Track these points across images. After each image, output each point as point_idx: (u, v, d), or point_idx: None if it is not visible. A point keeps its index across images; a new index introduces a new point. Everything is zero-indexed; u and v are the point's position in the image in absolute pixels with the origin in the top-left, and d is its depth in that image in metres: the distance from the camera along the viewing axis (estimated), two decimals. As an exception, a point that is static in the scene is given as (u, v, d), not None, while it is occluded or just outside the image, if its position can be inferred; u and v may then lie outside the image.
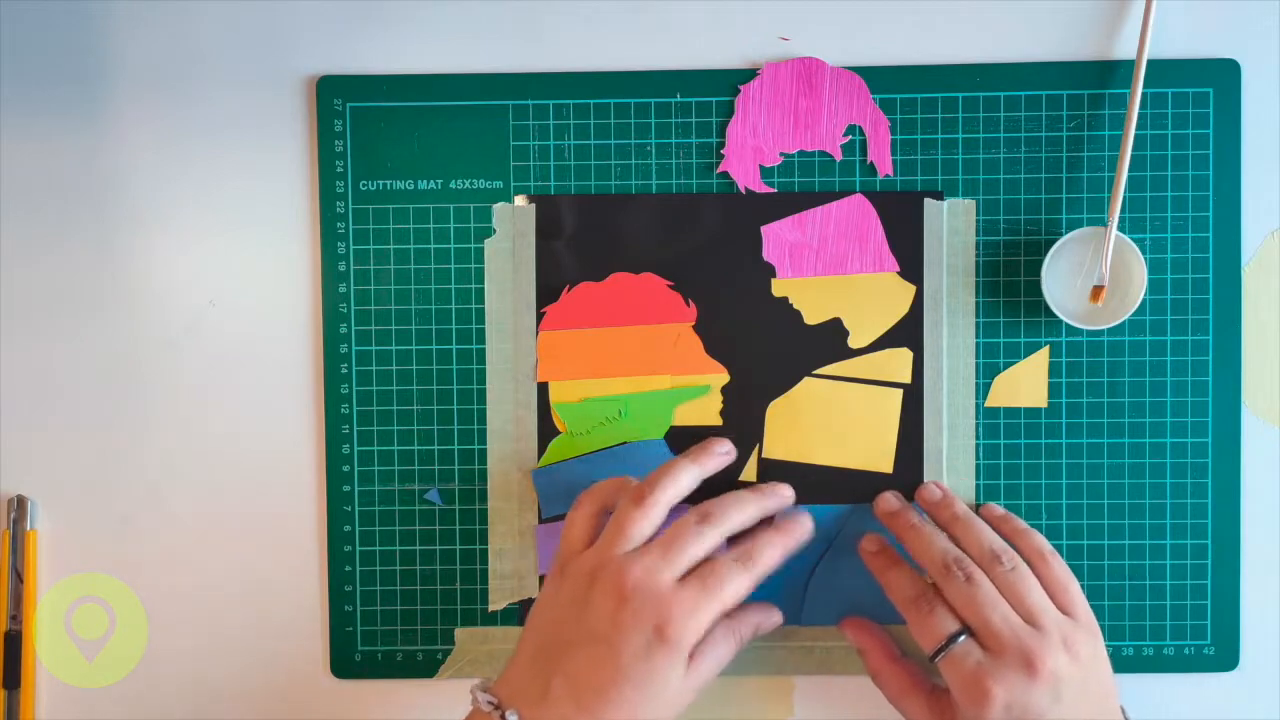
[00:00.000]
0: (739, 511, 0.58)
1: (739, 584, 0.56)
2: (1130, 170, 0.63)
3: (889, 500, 0.63)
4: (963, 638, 0.57)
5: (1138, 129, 0.62)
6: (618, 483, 0.60)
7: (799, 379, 0.64)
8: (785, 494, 0.61)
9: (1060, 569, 0.59)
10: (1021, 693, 0.55)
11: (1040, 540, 0.60)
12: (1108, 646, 0.64)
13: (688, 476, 0.59)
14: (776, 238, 0.64)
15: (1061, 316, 0.62)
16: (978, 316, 0.64)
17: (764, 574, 0.57)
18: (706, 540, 0.56)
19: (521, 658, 0.57)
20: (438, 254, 0.64)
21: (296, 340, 0.65)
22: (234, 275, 0.65)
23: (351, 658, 0.65)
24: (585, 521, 0.59)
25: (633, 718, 0.54)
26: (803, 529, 0.60)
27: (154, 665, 0.66)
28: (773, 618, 0.62)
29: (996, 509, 0.62)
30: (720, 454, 0.61)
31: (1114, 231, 0.61)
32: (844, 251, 0.64)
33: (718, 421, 0.64)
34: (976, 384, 0.64)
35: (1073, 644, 0.57)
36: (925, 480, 0.63)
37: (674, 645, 0.54)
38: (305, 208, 0.65)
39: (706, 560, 0.56)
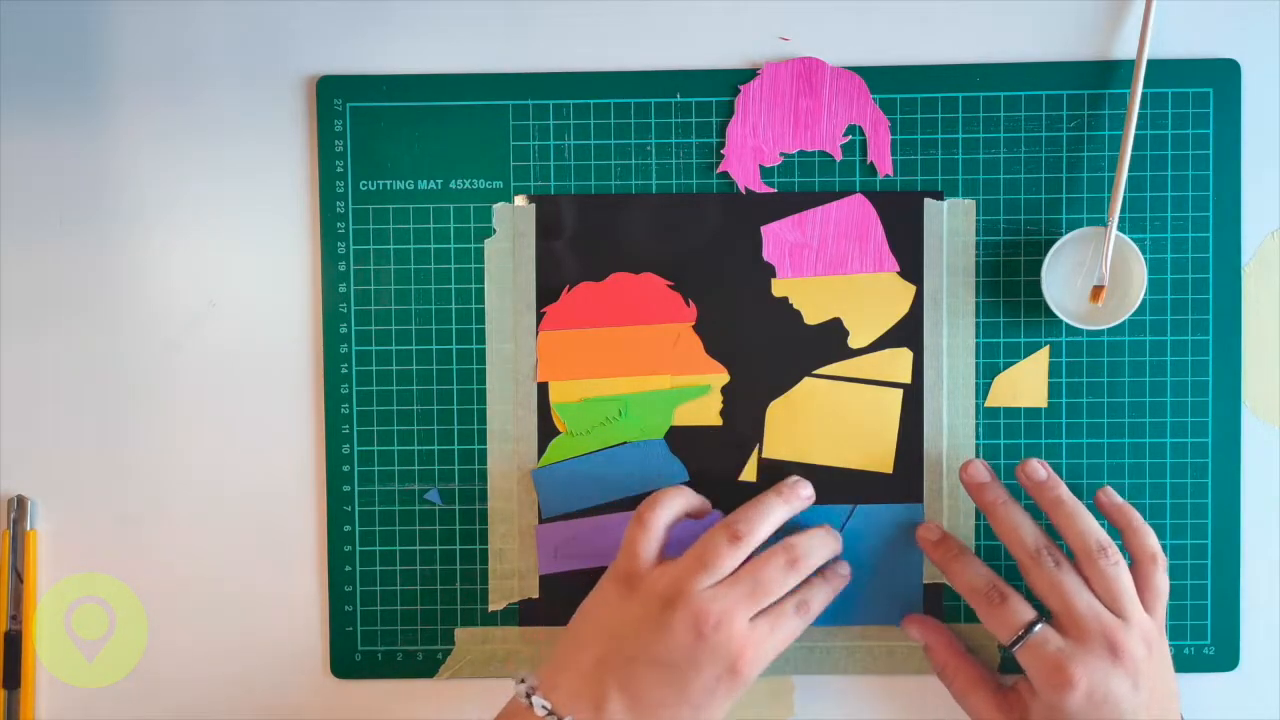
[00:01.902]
0: (769, 524, 0.59)
1: (797, 631, 0.58)
2: (1130, 170, 0.63)
3: (979, 471, 0.61)
4: (1039, 625, 0.57)
5: (1138, 129, 0.62)
6: (682, 494, 0.60)
7: (799, 379, 0.64)
8: (807, 495, 0.61)
9: (1162, 579, 0.58)
10: (1103, 677, 0.55)
11: (1153, 542, 0.59)
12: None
13: (779, 517, 0.59)
14: (776, 238, 0.64)
15: (1061, 316, 0.61)
16: (978, 316, 0.64)
17: (812, 621, 0.59)
18: (788, 583, 0.58)
19: (578, 664, 0.57)
20: (438, 254, 0.64)
21: (296, 340, 0.65)
22: (234, 275, 0.65)
23: (351, 658, 0.65)
24: (658, 535, 0.59)
25: None
26: (845, 578, 0.61)
27: (154, 665, 0.66)
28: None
29: (1115, 496, 0.61)
30: (805, 497, 0.61)
31: (1114, 231, 0.61)
32: (844, 251, 0.64)
33: (718, 421, 0.64)
34: (976, 384, 0.64)
35: (1151, 640, 0.56)
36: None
37: (742, 681, 0.55)
38: (305, 208, 0.65)
39: (773, 604, 0.57)
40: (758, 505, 0.59)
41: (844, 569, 0.61)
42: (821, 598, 0.59)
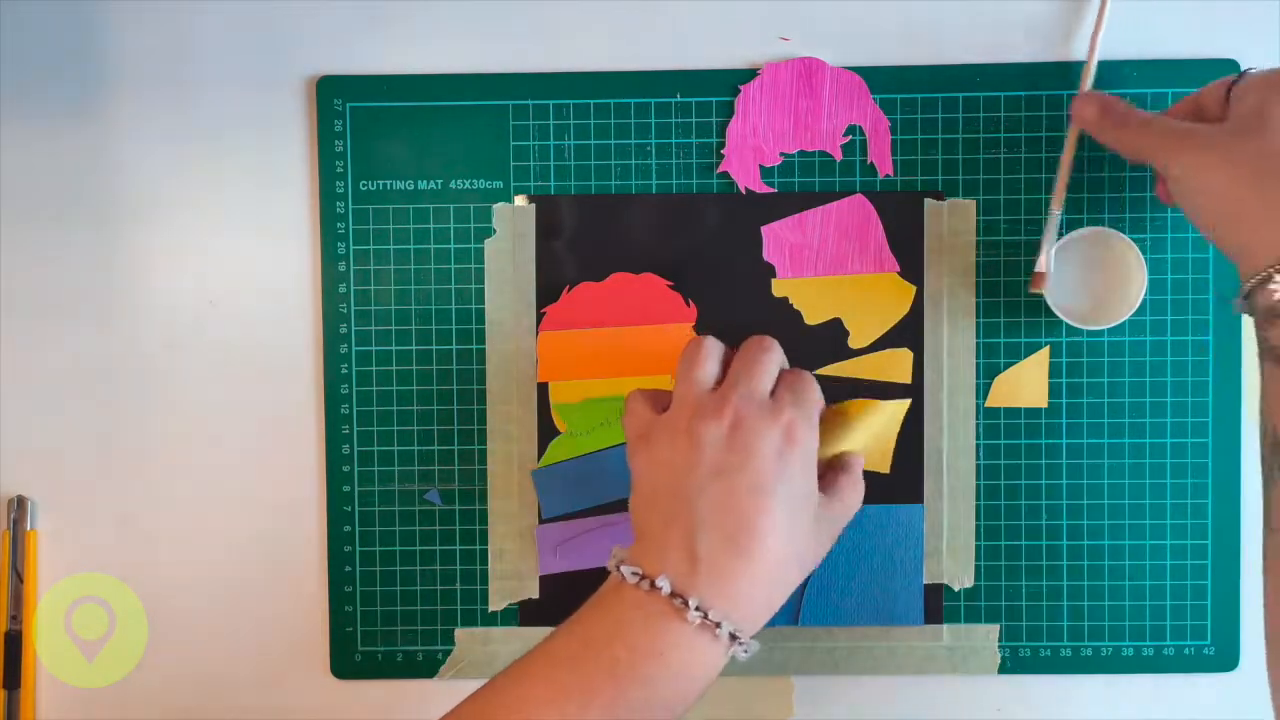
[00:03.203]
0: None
1: (815, 390, 0.55)
2: (1130, 170, 0.63)
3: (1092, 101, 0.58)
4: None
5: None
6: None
7: (799, 379, 0.64)
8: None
9: None
10: None
11: None
12: (1107, 646, 0.65)
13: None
14: (776, 238, 0.64)
15: (1061, 316, 0.61)
16: (978, 316, 0.64)
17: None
18: (774, 356, 0.56)
19: (650, 531, 0.53)
20: (438, 254, 0.64)
21: (296, 340, 0.65)
22: (234, 275, 0.65)
23: (351, 658, 0.65)
24: (712, 367, 0.56)
25: (787, 548, 0.52)
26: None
27: (154, 665, 0.66)
28: (860, 459, 0.60)
29: None
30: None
31: (1057, 218, 0.61)
32: (844, 251, 0.64)
33: (718, 421, 0.64)
34: (976, 384, 0.64)
35: None
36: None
37: (801, 445, 0.53)
38: (305, 208, 0.65)
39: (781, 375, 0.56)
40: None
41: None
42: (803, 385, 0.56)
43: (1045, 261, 0.61)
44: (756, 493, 0.52)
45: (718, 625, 0.50)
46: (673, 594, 0.51)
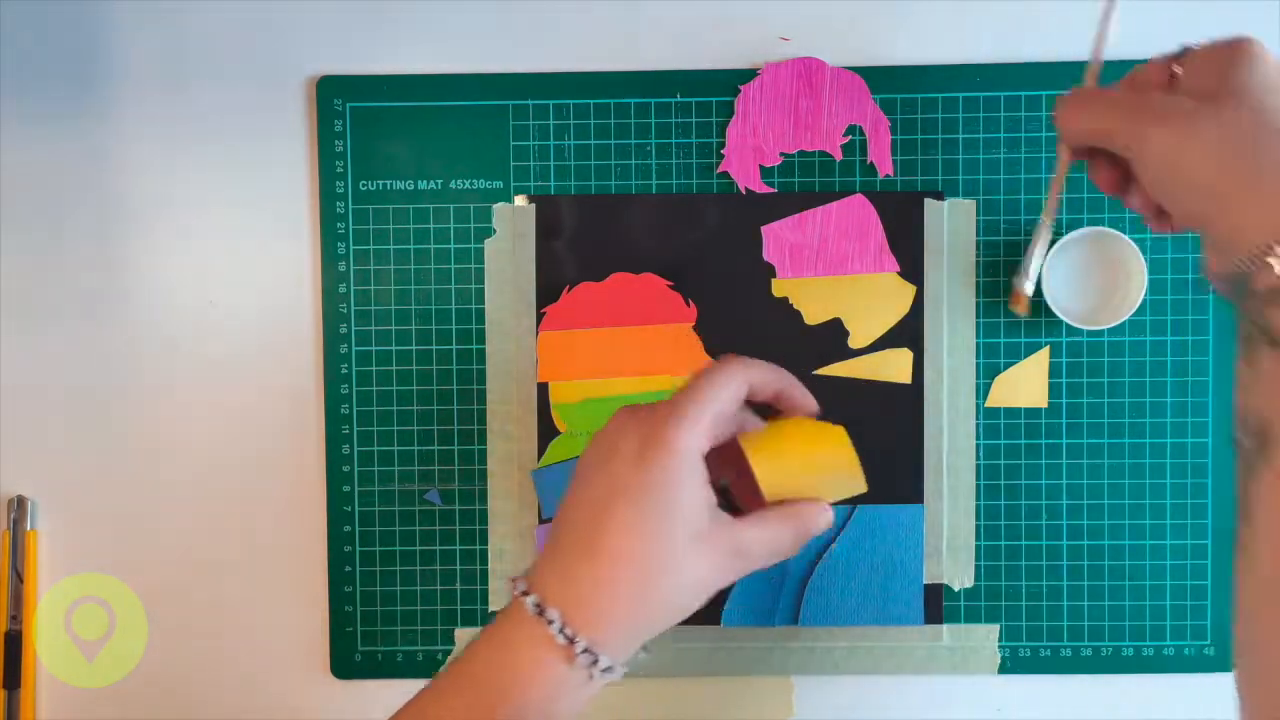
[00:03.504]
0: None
1: (731, 375, 0.50)
2: (1130, 170, 0.63)
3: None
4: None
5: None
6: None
7: (799, 379, 0.64)
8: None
9: None
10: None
11: None
12: (1107, 646, 0.65)
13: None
14: (776, 238, 0.64)
15: (1061, 316, 0.61)
16: (978, 316, 0.64)
17: (758, 381, 0.51)
18: (719, 376, 0.50)
19: (550, 543, 0.50)
20: (438, 254, 0.64)
21: (296, 340, 0.65)
22: (234, 275, 0.65)
23: (351, 658, 0.65)
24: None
25: (645, 555, 0.47)
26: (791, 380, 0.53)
27: (154, 665, 0.66)
28: (826, 514, 0.52)
29: None
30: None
31: (1048, 231, 0.57)
32: (844, 251, 0.64)
33: (718, 421, 0.64)
34: (976, 384, 0.64)
35: None
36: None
37: (667, 444, 0.48)
38: (305, 208, 0.65)
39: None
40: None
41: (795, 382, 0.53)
42: (764, 364, 0.52)
43: (1027, 280, 0.57)
44: (610, 493, 0.48)
45: (572, 640, 0.47)
46: (537, 606, 0.48)
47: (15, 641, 0.65)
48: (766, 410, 0.54)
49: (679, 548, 0.48)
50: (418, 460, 0.65)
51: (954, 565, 0.64)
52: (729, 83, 0.64)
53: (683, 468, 0.48)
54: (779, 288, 0.64)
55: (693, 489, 0.48)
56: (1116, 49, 0.63)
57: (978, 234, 0.64)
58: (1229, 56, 0.48)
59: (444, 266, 0.64)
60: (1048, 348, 0.64)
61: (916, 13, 0.63)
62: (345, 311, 0.64)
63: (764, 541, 0.50)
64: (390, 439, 0.65)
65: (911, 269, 0.64)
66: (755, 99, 0.64)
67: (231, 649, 0.65)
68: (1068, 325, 0.62)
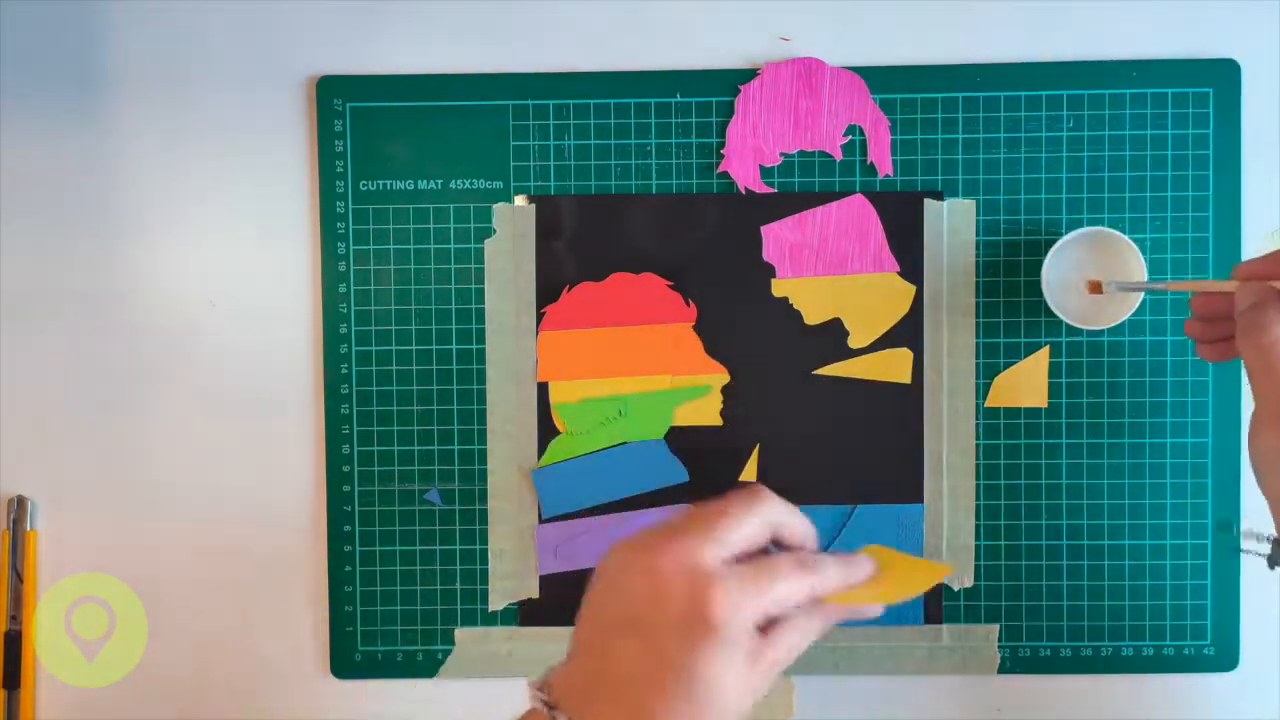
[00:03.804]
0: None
1: (792, 584, 0.47)
2: (1130, 170, 0.63)
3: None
4: None
5: (1138, 129, 0.63)
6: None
7: (799, 379, 0.64)
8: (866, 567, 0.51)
9: None
10: None
11: None
12: (1107, 646, 0.65)
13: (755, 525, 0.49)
14: (776, 238, 0.64)
15: (1061, 316, 0.61)
16: (978, 316, 0.64)
17: (821, 590, 0.48)
18: (753, 523, 0.48)
19: (572, 650, 0.49)
20: (438, 254, 0.64)
21: (296, 340, 0.65)
22: (234, 275, 0.65)
23: (351, 658, 0.65)
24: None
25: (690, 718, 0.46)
26: (864, 568, 0.50)
27: (154, 665, 0.66)
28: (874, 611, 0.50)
29: None
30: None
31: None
32: (844, 251, 0.64)
33: (718, 421, 0.64)
34: (976, 384, 0.64)
35: None
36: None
37: (718, 630, 0.45)
38: (305, 208, 0.65)
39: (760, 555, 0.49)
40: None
41: (867, 563, 0.51)
42: (832, 568, 0.49)
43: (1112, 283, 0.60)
44: (658, 668, 0.46)
45: None
46: None
47: (15, 641, 0.65)
48: None
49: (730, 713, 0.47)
50: (418, 460, 0.65)
51: (954, 565, 0.64)
52: (729, 83, 0.64)
53: (729, 651, 0.46)
54: (779, 288, 0.64)
55: (738, 671, 0.46)
56: (1116, 49, 0.64)
57: (977, 234, 0.64)
58: None
59: (444, 266, 0.64)
60: (1048, 348, 0.64)
61: (916, 13, 0.63)
62: (345, 311, 0.64)
63: (799, 649, 0.49)
64: (390, 439, 0.65)
65: (911, 269, 0.64)
66: (755, 99, 0.64)
67: (231, 649, 0.65)
68: (1068, 325, 0.62)
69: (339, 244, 0.64)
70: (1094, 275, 0.62)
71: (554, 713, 0.47)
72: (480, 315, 0.64)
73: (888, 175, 0.64)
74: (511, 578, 0.65)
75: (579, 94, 0.64)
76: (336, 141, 0.64)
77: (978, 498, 0.64)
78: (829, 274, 0.64)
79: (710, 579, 0.46)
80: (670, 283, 0.64)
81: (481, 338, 0.64)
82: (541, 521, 0.65)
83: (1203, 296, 0.57)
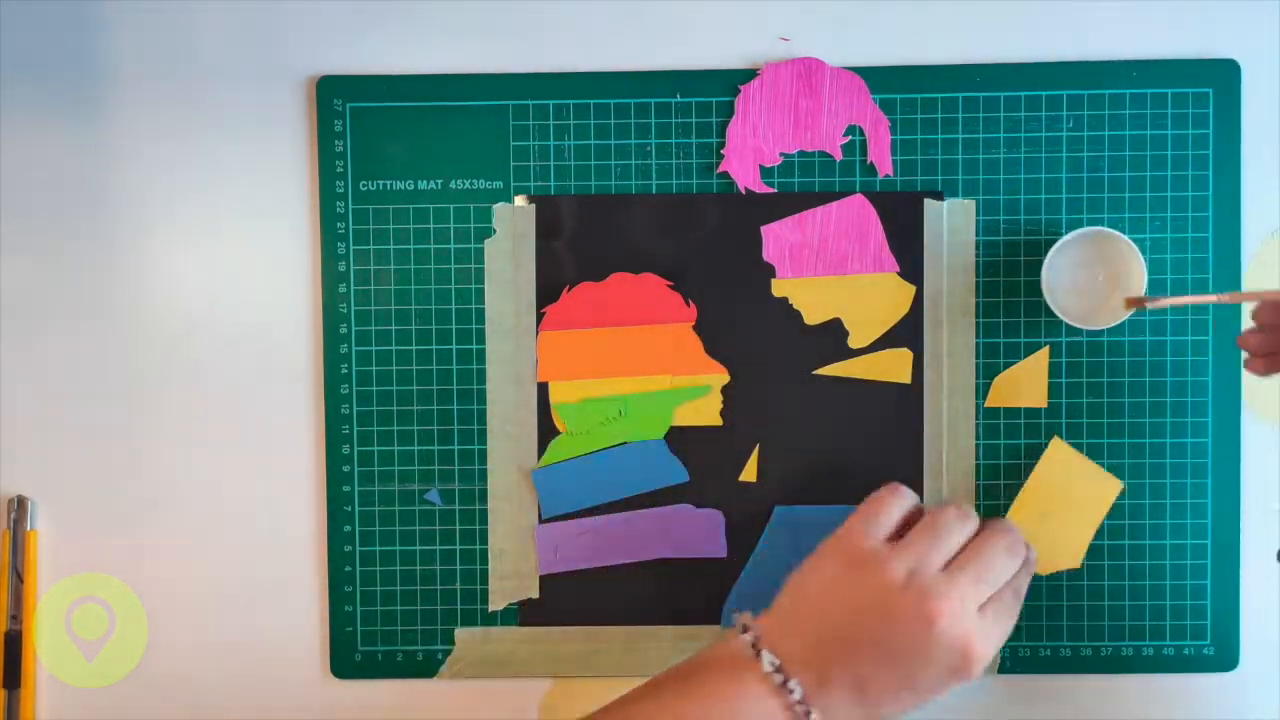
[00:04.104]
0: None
1: (1015, 617, 0.56)
2: (1130, 170, 0.63)
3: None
4: None
5: (1138, 129, 0.63)
6: (913, 497, 0.58)
7: (799, 379, 0.64)
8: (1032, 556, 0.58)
9: None
10: None
11: None
12: (1107, 646, 0.65)
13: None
14: (776, 238, 0.64)
15: (1061, 316, 0.61)
16: (978, 316, 0.64)
17: (1031, 566, 0.58)
18: (1010, 567, 0.55)
19: (801, 633, 0.54)
20: (438, 254, 0.64)
21: (296, 340, 0.65)
22: (234, 275, 0.65)
23: (351, 658, 0.65)
24: (893, 519, 0.56)
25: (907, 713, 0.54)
26: (1034, 564, 0.58)
27: (154, 665, 0.66)
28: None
29: None
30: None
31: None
32: (844, 251, 0.64)
33: (718, 421, 0.64)
34: (976, 384, 0.64)
35: None
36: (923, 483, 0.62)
37: (973, 673, 0.53)
38: (305, 208, 0.65)
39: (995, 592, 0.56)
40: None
41: (1033, 553, 0.58)
42: (1027, 583, 0.57)
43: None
44: (907, 686, 0.53)
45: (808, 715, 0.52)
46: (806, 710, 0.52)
47: (15, 641, 0.65)
48: None
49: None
50: (418, 460, 0.65)
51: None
52: (729, 83, 0.64)
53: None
54: (779, 288, 0.64)
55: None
56: (1116, 49, 0.64)
57: (977, 234, 0.64)
58: None
59: (444, 266, 0.64)
60: (1048, 348, 0.64)
61: (916, 13, 0.63)
62: (345, 311, 0.64)
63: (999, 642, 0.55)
64: (390, 439, 0.65)
65: (911, 269, 0.64)
66: (755, 99, 0.64)
67: (231, 649, 0.65)
68: (1068, 325, 0.62)
69: (339, 244, 0.64)
70: (1095, 276, 0.62)
71: (785, 678, 0.52)
72: (480, 315, 0.64)
73: (888, 175, 0.64)
74: (511, 578, 0.65)
75: (579, 94, 0.64)
76: (336, 141, 0.64)
77: (978, 497, 0.64)
78: (829, 274, 0.64)
79: (975, 634, 0.53)
80: (670, 283, 0.64)
81: (481, 338, 0.64)
82: (541, 521, 0.65)
83: (1270, 305, 0.58)
